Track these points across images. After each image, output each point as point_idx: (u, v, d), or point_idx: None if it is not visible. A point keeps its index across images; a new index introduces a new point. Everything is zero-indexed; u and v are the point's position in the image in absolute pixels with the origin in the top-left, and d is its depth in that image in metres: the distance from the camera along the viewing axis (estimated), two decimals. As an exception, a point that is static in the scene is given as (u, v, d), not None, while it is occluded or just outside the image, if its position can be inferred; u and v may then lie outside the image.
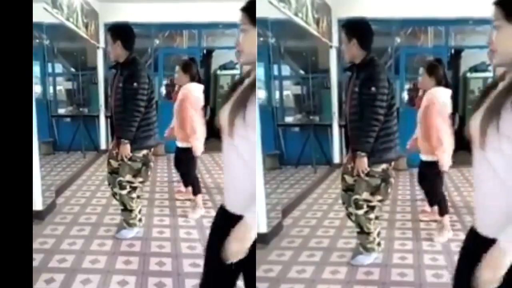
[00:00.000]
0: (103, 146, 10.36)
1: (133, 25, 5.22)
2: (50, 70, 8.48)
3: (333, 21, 9.56)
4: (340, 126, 9.51)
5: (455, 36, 9.57)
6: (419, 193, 7.27)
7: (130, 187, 5.20)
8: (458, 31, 9.51)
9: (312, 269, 4.77)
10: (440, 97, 5.39)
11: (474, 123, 2.08)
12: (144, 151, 5.13)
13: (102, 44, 10.44)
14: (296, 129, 9.08)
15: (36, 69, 7.59)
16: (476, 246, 2.13)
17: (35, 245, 5.04)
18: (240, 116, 2.27)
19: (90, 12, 10.07)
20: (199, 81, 6.34)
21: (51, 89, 8.56)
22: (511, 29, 1.98)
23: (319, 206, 6.91)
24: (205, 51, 10.73)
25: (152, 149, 5.29)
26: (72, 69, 9.64)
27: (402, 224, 6.08)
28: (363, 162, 4.50)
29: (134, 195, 5.25)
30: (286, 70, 8.69)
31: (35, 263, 4.61)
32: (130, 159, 5.07)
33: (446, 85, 5.68)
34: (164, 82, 10.70)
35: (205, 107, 6.35)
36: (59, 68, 9.12)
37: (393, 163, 4.68)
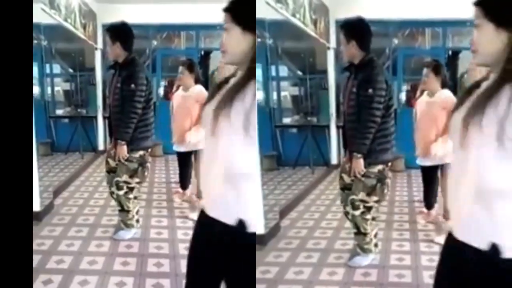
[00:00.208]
0: (101, 147, 10.35)
1: (131, 26, 5.21)
2: (48, 71, 8.46)
3: (331, 22, 9.56)
4: (338, 127, 9.51)
5: (452, 38, 9.57)
6: (417, 194, 7.30)
7: (127, 187, 5.20)
8: (455, 32, 9.51)
9: (310, 270, 4.78)
10: (454, 100, 5.41)
11: (455, 123, 2.07)
12: (141, 152, 5.13)
13: (100, 45, 10.44)
14: (294, 130, 9.07)
15: (34, 70, 7.57)
16: (453, 250, 2.14)
17: (33, 246, 5.03)
18: (224, 115, 2.24)
19: (88, 13, 10.07)
20: (200, 82, 6.38)
21: (49, 90, 8.54)
22: (491, 28, 1.99)
23: (316, 207, 6.92)
24: (203, 52, 10.71)
25: (149, 150, 5.29)
26: (70, 70, 9.63)
27: (400, 225, 6.09)
28: (359, 163, 4.51)
29: (131, 195, 5.25)
30: (283, 71, 8.67)
31: (33, 264, 4.60)
32: (126, 160, 5.07)
33: (447, 87, 5.73)
34: (162, 83, 10.70)
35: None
36: (57, 69, 9.09)
37: (389, 164, 4.69)
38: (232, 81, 2.36)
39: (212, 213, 2.36)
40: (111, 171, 5.24)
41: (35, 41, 7.17)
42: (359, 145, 4.50)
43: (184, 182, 6.80)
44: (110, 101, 5.19)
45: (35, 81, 7.52)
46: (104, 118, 10.25)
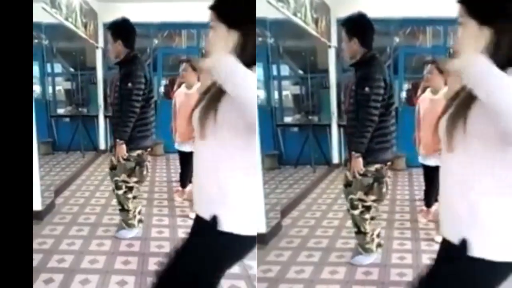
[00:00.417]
0: (102, 146, 10.36)
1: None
2: (49, 70, 8.46)
3: (332, 21, 9.56)
4: (339, 126, 9.52)
5: (453, 36, 9.55)
6: (418, 193, 7.29)
7: (126, 187, 5.19)
8: (456, 31, 9.49)
9: (311, 269, 4.78)
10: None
11: (442, 126, 2.10)
12: (139, 151, 5.11)
13: (101, 44, 10.43)
14: (295, 129, 9.06)
15: (35, 69, 7.58)
16: (441, 245, 2.22)
17: (34, 245, 5.03)
18: (211, 118, 2.25)
19: (89, 11, 10.07)
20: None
21: (50, 89, 8.54)
22: (475, 26, 2.00)
23: (318, 206, 6.92)
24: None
25: (149, 150, 5.26)
26: (71, 69, 9.63)
27: (401, 224, 6.09)
28: (358, 162, 4.49)
29: (130, 195, 5.23)
30: (285, 70, 8.67)
31: (34, 263, 4.60)
32: (125, 159, 5.06)
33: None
34: (163, 81, 10.70)
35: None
36: (58, 68, 9.10)
37: (388, 164, 4.67)
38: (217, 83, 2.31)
39: (196, 207, 2.47)
40: (113, 168, 5.24)
41: (36, 40, 7.17)
42: (357, 144, 4.49)
43: (184, 180, 6.80)
44: (111, 100, 5.18)
45: (36, 80, 7.53)
46: (105, 117, 10.27)
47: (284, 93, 8.67)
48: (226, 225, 2.30)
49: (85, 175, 8.27)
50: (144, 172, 5.26)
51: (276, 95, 8.35)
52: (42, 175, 6.07)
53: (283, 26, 7.79)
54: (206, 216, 2.35)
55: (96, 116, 10.31)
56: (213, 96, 2.30)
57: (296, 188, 7.56)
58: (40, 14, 7.03)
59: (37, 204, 5.80)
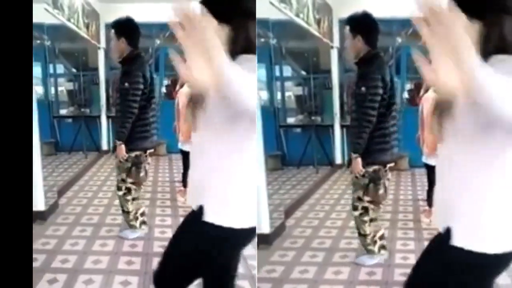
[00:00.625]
0: (104, 146, 10.37)
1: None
2: (51, 71, 8.47)
3: (334, 21, 9.56)
4: (342, 127, 9.52)
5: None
6: (421, 193, 7.29)
7: (125, 188, 5.17)
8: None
9: (315, 270, 4.77)
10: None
11: (433, 120, 2.13)
12: (137, 152, 5.07)
13: (103, 44, 10.44)
14: (298, 130, 9.06)
15: (38, 70, 7.57)
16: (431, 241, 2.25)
17: (38, 246, 5.05)
18: (200, 109, 2.27)
19: (91, 12, 10.08)
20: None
21: (52, 90, 8.54)
22: (465, 19, 1.91)
23: (321, 207, 6.92)
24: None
25: (149, 151, 5.21)
26: (74, 70, 9.63)
27: (404, 224, 6.08)
28: (356, 163, 4.47)
29: (129, 197, 5.19)
30: (287, 71, 8.67)
31: (37, 264, 4.62)
32: (124, 160, 5.05)
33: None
34: (165, 82, 10.69)
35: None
36: (60, 69, 9.10)
37: (389, 165, 4.64)
38: None
39: (187, 197, 2.54)
40: (117, 169, 5.23)
41: (38, 41, 7.17)
42: (354, 145, 4.48)
43: (187, 180, 6.78)
44: (113, 100, 5.16)
45: (38, 81, 7.53)
46: (108, 117, 10.27)
47: (287, 94, 8.67)
48: (209, 216, 2.33)
49: (88, 175, 8.28)
50: (141, 174, 5.18)
51: (279, 96, 8.36)
52: (45, 175, 6.07)
53: (285, 27, 7.79)
54: (194, 206, 2.39)
55: (99, 117, 10.31)
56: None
57: (299, 188, 7.55)
58: (42, 14, 7.03)
59: (40, 205, 5.81)
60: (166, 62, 10.65)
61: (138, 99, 4.89)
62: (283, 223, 5.84)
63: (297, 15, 7.87)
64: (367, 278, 4.59)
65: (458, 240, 2.03)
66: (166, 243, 5.13)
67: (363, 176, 4.54)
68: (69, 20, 8.84)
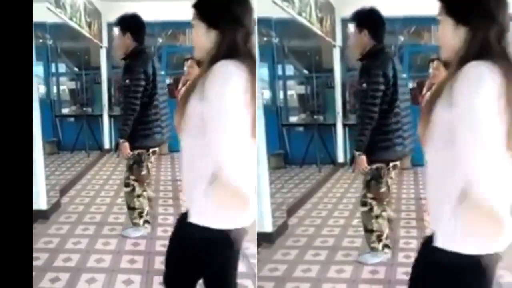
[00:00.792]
0: (106, 145, 10.35)
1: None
2: (53, 70, 8.47)
3: (336, 20, 9.54)
4: (344, 126, 9.51)
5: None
6: (423, 192, 7.27)
7: (131, 185, 5.17)
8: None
9: (318, 268, 4.77)
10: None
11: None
12: (140, 150, 5.06)
13: (105, 43, 10.43)
14: (301, 128, 9.06)
15: (40, 69, 7.58)
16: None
17: (40, 245, 5.05)
18: (182, 114, 2.33)
19: (93, 11, 10.06)
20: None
21: (54, 89, 8.55)
22: (451, 24, 2.10)
23: (324, 205, 6.91)
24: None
25: (152, 150, 5.19)
26: (76, 69, 9.63)
27: (407, 223, 6.07)
28: (360, 160, 4.46)
29: (134, 193, 5.21)
30: (290, 70, 8.67)
31: (40, 263, 4.62)
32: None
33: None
34: (167, 80, 10.67)
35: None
36: (62, 68, 9.10)
37: (393, 164, 4.62)
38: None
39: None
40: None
41: (40, 40, 7.18)
42: (356, 142, 4.48)
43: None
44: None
45: (41, 80, 7.54)
46: (110, 116, 10.26)
47: (289, 92, 8.67)
48: (194, 217, 2.37)
49: (90, 174, 8.28)
50: (143, 172, 5.18)
51: (281, 94, 8.36)
52: (47, 174, 6.07)
53: (288, 26, 7.79)
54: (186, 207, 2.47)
55: (101, 116, 10.30)
56: (187, 90, 2.38)
57: (302, 187, 7.55)
58: (45, 14, 7.03)
59: (42, 204, 5.81)
60: (168, 60, 10.64)
61: (139, 96, 4.86)
62: (285, 222, 5.84)
63: (300, 14, 7.85)
64: (370, 277, 4.58)
65: (440, 242, 2.07)
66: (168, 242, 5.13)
67: (366, 173, 4.54)
68: (71, 19, 8.84)
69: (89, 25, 9.88)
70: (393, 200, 6.43)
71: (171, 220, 5.95)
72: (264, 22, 6.11)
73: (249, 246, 4.79)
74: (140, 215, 5.32)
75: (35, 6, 5.12)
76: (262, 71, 7.11)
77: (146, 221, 5.37)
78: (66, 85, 9.26)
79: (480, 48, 2.02)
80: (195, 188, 2.37)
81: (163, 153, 9.46)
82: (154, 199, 6.71)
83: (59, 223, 5.73)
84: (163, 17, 10.14)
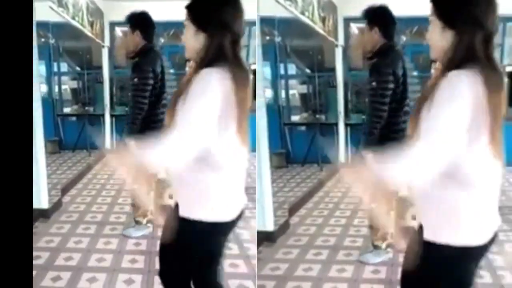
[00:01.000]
0: (108, 145, 10.35)
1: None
2: (55, 69, 8.46)
3: (339, 19, 9.53)
4: (346, 125, 9.51)
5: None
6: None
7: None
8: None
9: (319, 267, 4.77)
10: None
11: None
12: None
13: (107, 43, 10.42)
14: (302, 128, 9.05)
15: (42, 68, 7.57)
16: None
17: (41, 244, 5.05)
18: (172, 115, 2.43)
19: (95, 10, 10.06)
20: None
21: (56, 88, 8.54)
22: (439, 25, 2.21)
23: (325, 205, 6.90)
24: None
25: None
26: (78, 68, 9.62)
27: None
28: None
29: (142, 191, 5.19)
30: (292, 69, 8.65)
31: (41, 261, 4.63)
32: None
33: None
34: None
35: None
36: (64, 67, 9.10)
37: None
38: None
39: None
40: None
41: (42, 40, 7.17)
42: (363, 142, 4.46)
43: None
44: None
45: (42, 79, 7.53)
46: (111, 116, 10.26)
47: (291, 92, 8.66)
48: (182, 210, 2.53)
49: (92, 173, 8.27)
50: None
51: (283, 94, 8.34)
52: (49, 173, 6.06)
53: (290, 25, 7.77)
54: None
55: (102, 115, 10.30)
56: (176, 92, 2.49)
57: (304, 186, 7.54)
58: (47, 13, 7.02)
59: (44, 203, 5.82)
60: (170, 60, 10.63)
61: (148, 94, 4.83)
62: (287, 221, 5.84)
63: (302, 13, 7.85)
64: (371, 277, 4.58)
65: (429, 235, 2.22)
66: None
67: None
68: (73, 18, 8.83)
69: (91, 24, 9.88)
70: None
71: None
72: (267, 21, 6.09)
73: (250, 247, 4.80)
74: (145, 214, 5.31)
75: (38, 5, 5.12)
76: (264, 70, 7.10)
77: (149, 221, 5.35)
78: (68, 84, 9.25)
79: (465, 53, 2.12)
80: (181, 183, 2.53)
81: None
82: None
83: (60, 222, 5.73)
84: (165, 17, 10.11)
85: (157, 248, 4.96)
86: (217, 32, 2.44)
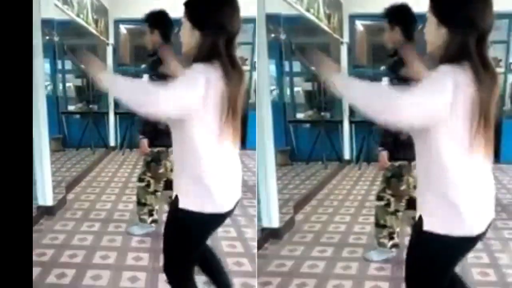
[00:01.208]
0: (112, 143, 10.37)
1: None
2: (60, 67, 8.46)
3: (344, 17, 9.54)
4: (351, 123, 9.51)
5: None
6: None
7: (146, 180, 5.15)
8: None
9: (324, 264, 4.76)
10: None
11: None
12: (160, 148, 5.05)
13: (111, 40, 10.43)
14: (307, 125, 9.06)
15: (46, 66, 7.57)
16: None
17: (46, 241, 5.06)
18: None
19: (100, 8, 10.07)
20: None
21: (60, 86, 8.54)
22: (435, 22, 2.28)
23: (330, 202, 6.90)
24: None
25: (171, 148, 5.13)
26: (82, 66, 9.62)
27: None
28: (382, 156, 4.50)
29: (148, 190, 5.19)
30: (297, 67, 8.64)
31: (46, 258, 4.63)
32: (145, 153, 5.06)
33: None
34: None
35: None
36: (68, 65, 9.10)
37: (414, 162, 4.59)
38: None
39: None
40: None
41: (47, 37, 7.17)
42: (381, 138, 4.50)
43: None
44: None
45: (47, 77, 7.53)
46: (115, 114, 10.27)
47: (296, 89, 8.65)
48: (182, 202, 2.63)
49: (96, 171, 8.29)
50: (161, 170, 5.13)
51: (288, 91, 8.34)
52: (53, 171, 6.06)
53: (296, 22, 7.76)
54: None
55: (107, 113, 10.32)
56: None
57: (308, 184, 7.55)
58: (52, 10, 7.02)
59: (48, 200, 5.84)
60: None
61: None
62: (292, 218, 5.83)
63: (308, 10, 7.85)
64: (376, 274, 4.56)
65: (427, 225, 2.32)
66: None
67: (388, 169, 4.54)
68: (78, 16, 8.84)
69: (96, 22, 9.89)
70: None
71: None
72: (273, 19, 6.08)
73: (253, 246, 4.81)
74: (150, 213, 5.29)
75: (43, 2, 5.12)
76: (270, 67, 7.08)
77: (154, 221, 5.32)
78: (72, 82, 9.26)
79: (457, 50, 2.19)
80: (180, 177, 2.65)
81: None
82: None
83: (64, 220, 5.73)
84: (169, 15, 10.12)
85: (162, 246, 5.01)
86: (212, 31, 2.49)
